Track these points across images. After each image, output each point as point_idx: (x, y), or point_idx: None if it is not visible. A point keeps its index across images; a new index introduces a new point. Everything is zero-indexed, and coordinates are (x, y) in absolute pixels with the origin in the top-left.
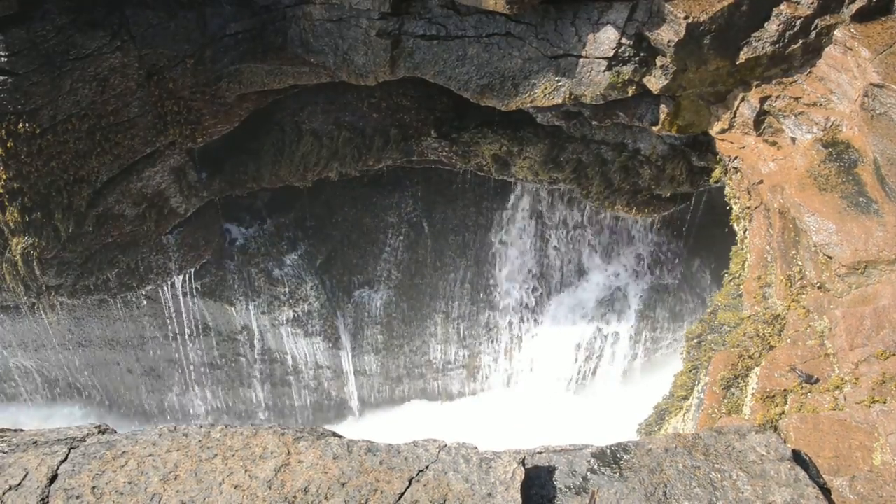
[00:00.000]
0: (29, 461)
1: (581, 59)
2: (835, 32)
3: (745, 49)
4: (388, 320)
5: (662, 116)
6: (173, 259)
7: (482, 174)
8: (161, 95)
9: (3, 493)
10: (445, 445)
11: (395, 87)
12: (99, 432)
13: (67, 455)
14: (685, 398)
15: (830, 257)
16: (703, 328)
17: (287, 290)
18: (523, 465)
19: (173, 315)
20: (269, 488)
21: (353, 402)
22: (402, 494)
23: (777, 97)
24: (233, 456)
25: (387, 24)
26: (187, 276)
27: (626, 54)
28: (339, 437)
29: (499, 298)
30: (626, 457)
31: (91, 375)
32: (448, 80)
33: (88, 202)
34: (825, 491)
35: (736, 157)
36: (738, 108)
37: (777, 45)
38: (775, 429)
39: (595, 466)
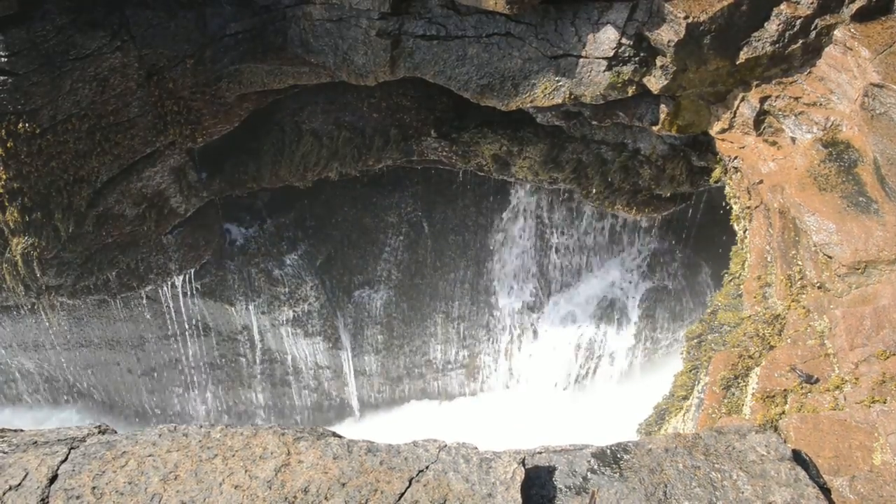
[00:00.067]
0: (29, 461)
1: (581, 59)
2: (835, 32)
3: (745, 49)
4: (388, 320)
5: (662, 116)
6: (173, 259)
7: (482, 174)
8: (161, 95)
9: (4, 494)
10: (445, 445)
11: (395, 87)
12: (99, 432)
13: (67, 455)
14: (685, 398)
15: (830, 257)
16: (703, 328)
17: (287, 290)
18: (523, 465)
19: (173, 315)
20: (270, 488)
21: (354, 403)
22: (402, 494)
23: (777, 97)
24: (233, 456)
25: (387, 24)
26: (187, 276)
27: (626, 54)
28: (340, 437)
29: (499, 298)
30: (626, 457)
31: (91, 375)
32: (448, 80)
33: (88, 202)
34: (825, 491)
35: (736, 157)
36: (738, 108)
37: (777, 45)
38: (775, 429)
39: (595, 466)
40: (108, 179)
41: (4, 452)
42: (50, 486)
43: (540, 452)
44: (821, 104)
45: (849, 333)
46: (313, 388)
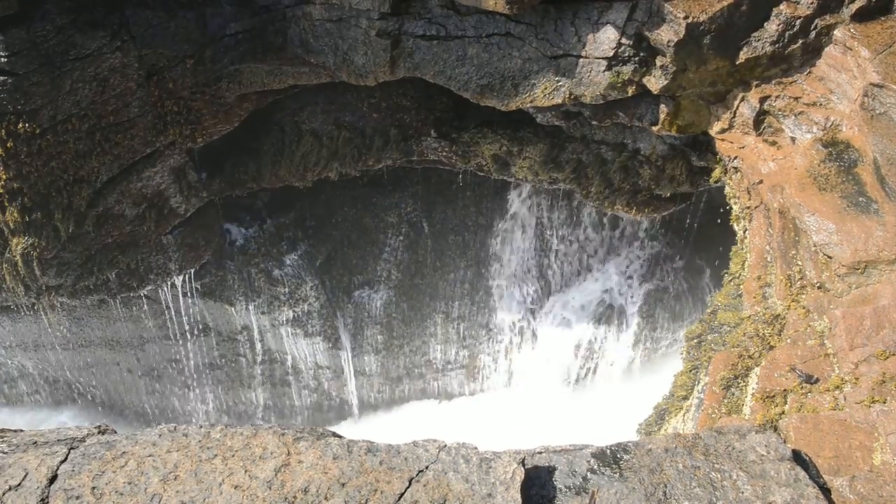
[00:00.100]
0: (29, 461)
1: (581, 59)
2: (834, 32)
3: (745, 49)
4: (388, 320)
5: (662, 116)
6: (173, 259)
7: (482, 174)
8: (161, 95)
9: (3, 494)
10: (445, 446)
11: (395, 88)
12: (99, 433)
13: (67, 455)
14: (685, 398)
15: (830, 257)
16: (703, 328)
17: (287, 290)
18: (523, 465)
19: (173, 315)
20: (269, 488)
21: (353, 403)
22: (402, 495)
23: (777, 97)
24: (233, 456)
25: (387, 24)
26: (187, 276)
27: (626, 54)
28: (339, 437)
29: (499, 298)
30: (626, 457)
31: (91, 376)
32: (448, 80)
33: (88, 202)
34: (825, 491)
35: (736, 157)
36: (737, 107)
37: (777, 45)
38: (775, 429)
39: (595, 466)
40: (108, 179)
41: (4, 452)
42: (50, 486)
43: (540, 452)
44: (821, 104)
45: (849, 333)
46: (313, 389)
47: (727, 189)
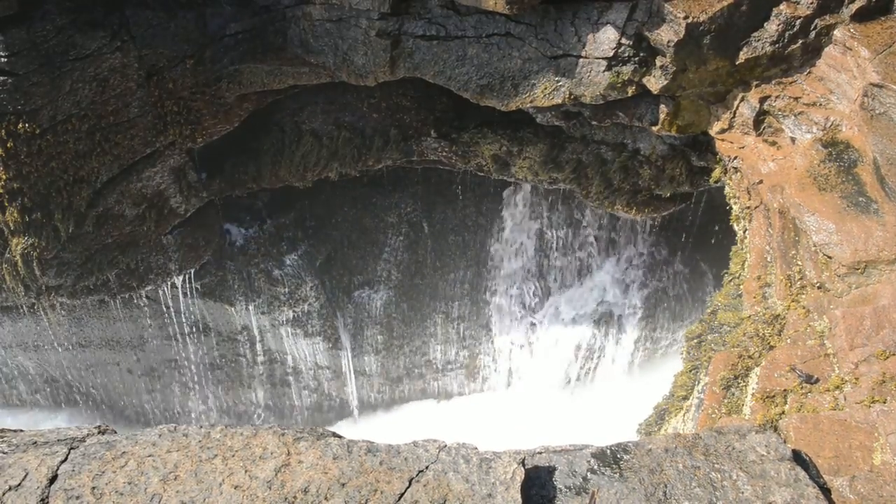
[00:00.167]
0: (29, 461)
1: (581, 60)
2: (834, 32)
3: (745, 49)
4: (388, 320)
5: (662, 116)
6: (173, 259)
7: (482, 174)
8: (161, 96)
9: (3, 494)
10: (445, 446)
11: (395, 88)
12: (99, 433)
13: (67, 455)
14: (685, 398)
15: (830, 257)
16: (703, 328)
17: (287, 290)
18: (523, 465)
19: (173, 315)
20: (269, 488)
21: (353, 403)
22: (402, 495)
23: (777, 97)
24: (233, 456)
25: (386, 24)
26: (187, 276)
27: (626, 54)
28: (339, 437)
29: (499, 298)
30: (626, 457)
31: (91, 376)
32: (448, 80)
33: (88, 202)
34: (825, 491)
35: (736, 157)
36: (737, 108)
37: (777, 45)
38: (775, 429)
39: (595, 466)
40: (108, 180)
41: (4, 453)
42: (50, 486)
43: (540, 452)
44: (820, 104)
45: (849, 333)
46: (313, 389)
47: (727, 189)
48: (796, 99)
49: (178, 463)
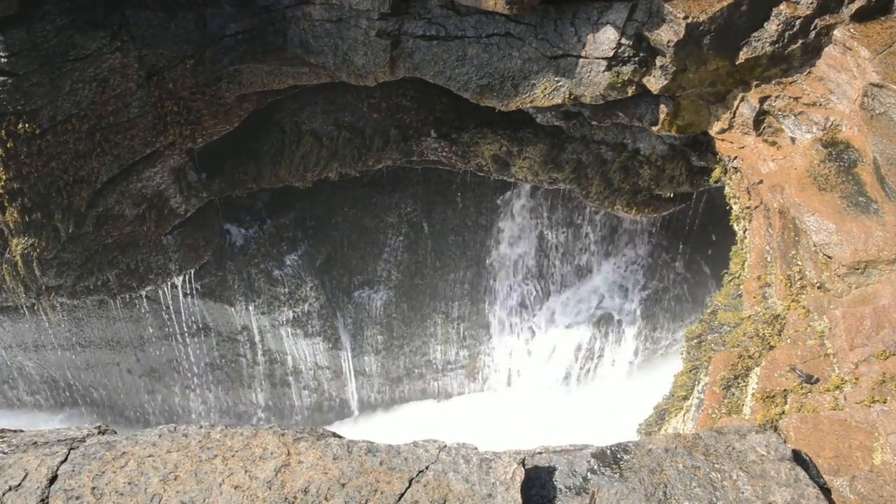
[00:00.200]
0: (29, 462)
1: (581, 60)
2: (834, 32)
3: (745, 49)
4: (388, 321)
5: (662, 116)
6: (173, 259)
7: (482, 174)
8: (161, 96)
9: (3, 494)
10: (445, 446)
11: (395, 88)
12: (99, 433)
13: (67, 456)
14: (685, 398)
15: (830, 257)
16: (703, 328)
17: (287, 290)
18: (523, 465)
19: (173, 315)
20: (269, 489)
21: (353, 403)
22: (402, 495)
23: (777, 97)
24: (233, 456)
25: (386, 24)
26: (187, 276)
27: (626, 54)
28: (339, 437)
29: (498, 299)
30: (626, 457)
31: (91, 376)
32: (448, 80)
33: (88, 203)
34: (825, 491)
35: (735, 157)
36: (737, 108)
37: (776, 45)
38: (775, 429)
39: (595, 467)
40: (108, 180)
41: (4, 453)
42: (50, 486)
43: (540, 453)
44: (820, 104)
45: (849, 333)
46: (313, 389)
47: (727, 189)
48: (796, 99)
49: (178, 463)
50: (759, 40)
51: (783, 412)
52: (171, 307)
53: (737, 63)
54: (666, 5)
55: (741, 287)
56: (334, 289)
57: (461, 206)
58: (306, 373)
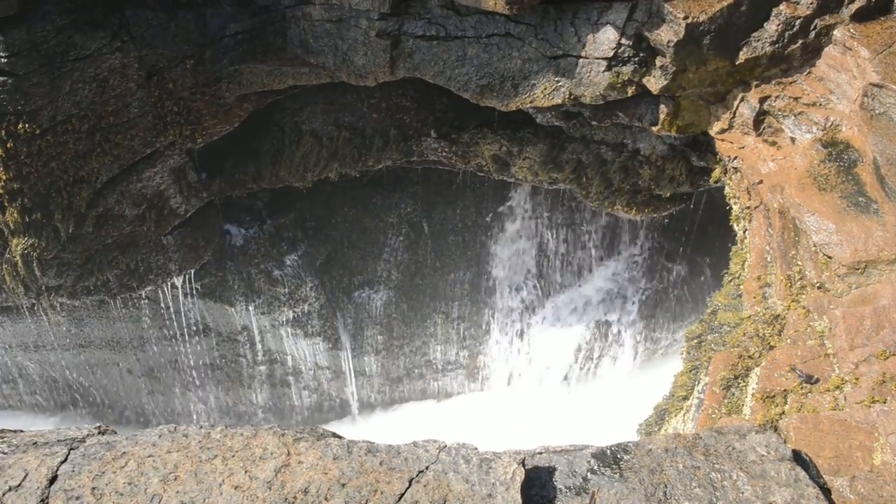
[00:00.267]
0: (29, 462)
1: (580, 60)
2: (834, 32)
3: (745, 49)
4: (388, 321)
5: (662, 116)
6: (173, 260)
7: (482, 174)
8: (161, 96)
9: (3, 494)
10: (445, 446)
11: (395, 88)
12: (99, 433)
13: (67, 456)
14: (685, 398)
15: (830, 257)
16: (703, 328)
17: (287, 290)
18: (523, 465)
19: (173, 316)
20: (269, 489)
21: (353, 403)
22: (402, 495)
23: (776, 97)
24: (233, 457)
25: (386, 24)
26: (187, 276)
27: (626, 55)
28: (339, 437)
29: (498, 299)
30: (626, 457)
31: (91, 376)
32: (448, 80)
33: (88, 203)
34: (825, 491)
35: (735, 157)
36: (737, 108)
37: (776, 45)
38: (775, 429)
39: (595, 467)
40: (108, 180)
41: (4, 453)
42: (50, 486)
43: (540, 453)
44: (820, 104)
45: (849, 333)
46: (313, 389)
47: (727, 189)
48: (796, 99)
49: (178, 463)
50: (759, 40)
51: (783, 412)
52: (171, 307)
53: (737, 63)
54: (666, 5)
55: (741, 287)
56: (334, 289)
57: (461, 205)
58: (306, 373)
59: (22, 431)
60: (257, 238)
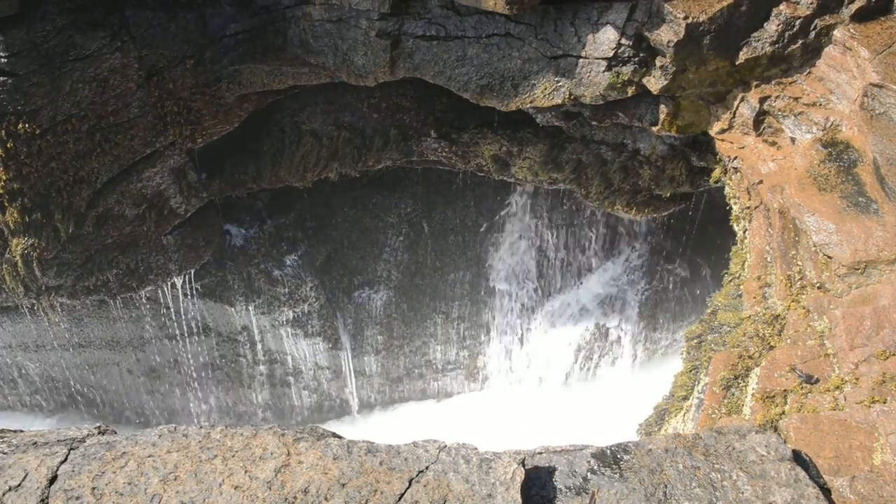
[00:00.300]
0: (29, 462)
1: (581, 60)
2: (834, 32)
3: (745, 49)
4: (388, 321)
5: (662, 117)
6: (173, 260)
7: (482, 174)
8: (161, 96)
9: (3, 494)
10: (445, 446)
11: (395, 88)
12: (99, 433)
13: (67, 456)
14: (685, 398)
15: (830, 257)
16: (703, 328)
17: (287, 290)
18: (523, 465)
19: (173, 316)
20: (269, 489)
21: (353, 403)
22: (402, 495)
23: (776, 97)
24: (233, 457)
25: (386, 24)
26: (187, 276)
27: (626, 55)
28: (339, 437)
29: (498, 299)
30: (626, 457)
31: (91, 376)
32: (448, 80)
33: (88, 203)
34: (825, 491)
35: (735, 158)
36: (737, 108)
37: (776, 46)
38: (775, 429)
39: (595, 467)
40: (108, 180)
41: (4, 453)
42: (50, 486)
43: (540, 453)
44: (820, 104)
45: (849, 333)
46: (313, 389)
47: (727, 189)
48: (796, 99)
49: (178, 463)
50: (759, 40)
51: (783, 412)
52: (171, 307)
53: (737, 63)
54: (666, 5)
55: (741, 287)
56: (334, 289)
57: (461, 205)
58: (306, 373)
59: (22, 431)
60: (257, 238)
